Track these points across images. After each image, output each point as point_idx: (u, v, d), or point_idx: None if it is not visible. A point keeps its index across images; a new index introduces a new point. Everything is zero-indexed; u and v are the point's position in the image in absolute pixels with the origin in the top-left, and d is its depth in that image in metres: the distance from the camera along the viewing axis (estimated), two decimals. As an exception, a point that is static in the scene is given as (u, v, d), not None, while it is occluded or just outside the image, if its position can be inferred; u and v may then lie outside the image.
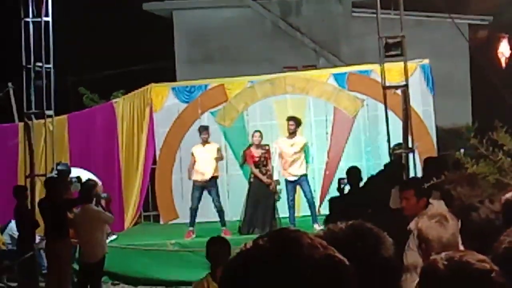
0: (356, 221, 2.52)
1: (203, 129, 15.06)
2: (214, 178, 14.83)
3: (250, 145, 14.86)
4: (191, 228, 14.71)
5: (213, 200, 14.81)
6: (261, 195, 14.57)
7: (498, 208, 4.63)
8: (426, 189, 7.18)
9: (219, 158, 15.02)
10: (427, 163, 10.54)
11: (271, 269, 1.74)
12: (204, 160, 14.77)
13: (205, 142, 14.94)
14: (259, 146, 14.71)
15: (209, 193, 14.82)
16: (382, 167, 12.22)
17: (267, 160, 14.71)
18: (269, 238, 1.82)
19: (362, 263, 2.21)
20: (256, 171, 14.68)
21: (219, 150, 15.10)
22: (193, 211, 14.74)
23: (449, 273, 2.50)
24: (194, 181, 14.87)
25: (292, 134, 14.96)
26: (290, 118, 15.06)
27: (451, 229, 4.75)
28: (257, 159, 14.63)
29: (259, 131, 14.94)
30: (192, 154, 14.99)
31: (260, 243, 1.81)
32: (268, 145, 14.95)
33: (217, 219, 14.98)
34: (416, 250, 5.05)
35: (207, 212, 15.59)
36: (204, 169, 14.74)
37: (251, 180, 14.80)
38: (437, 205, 6.49)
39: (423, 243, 4.83)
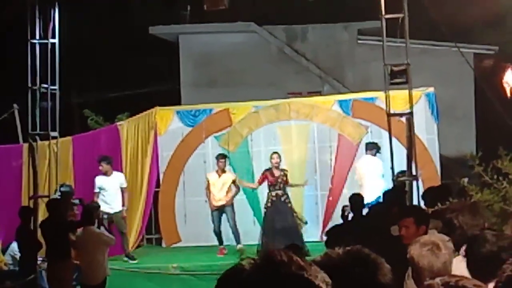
0: (354, 247, 2.52)
1: (221, 157, 15.35)
2: (224, 206, 15.04)
3: (270, 168, 14.92)
4: (221, 246, 15.16)
5: (228, 220, 15.10)
6: (279, 220, 14.51)
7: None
8: (426, 217, 7.15)
9: (235, 189, 15.24)
10: (427, 193, 10.55)
11: (250, 285, 1.92)
12: (217, 190, 15.11)
13: (221, 170, 15.22)
14: (278, 167, 14.77)
15: (226, 215, 15.14)
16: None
17: (284, 183, 14.75)
18: (257, 258, 1.98)
19: (359, 286, 2.21)
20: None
21: (234, 181, 15.26)
22: (216, 234, 15.21)
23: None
24: (211, 208, 15.24)
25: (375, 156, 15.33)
26: (372, 146, 15.42)
27: (443, 258, 4.71)
28: (273, 180, 14.66)
29: (276, 152, 15.11)
30: (208, 181, 15.34)
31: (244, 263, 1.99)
32: (286, 170, 15.00)
33: (217, 243, 15.25)
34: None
35: (206, 237, 15.77)
36: (217, 197, 15.11)
37: (268, 205, 14.79)
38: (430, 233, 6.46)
39: (414, 271, 4.80)
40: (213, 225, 15.22)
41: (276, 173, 14.73)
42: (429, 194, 10.36)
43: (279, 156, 14.98)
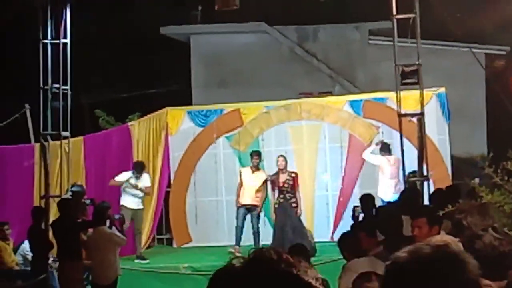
0: (442, 244, 2.52)
1: (256, 154, 15.30)
2: (254, 206, 14.98)
3: (277, 173, 14.94)
4: (236, 247, 14.81)
5: (251, 221, 14.96)
6: (286, 219, 14.49)
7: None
8: (438, 217, 7.15)
9: (263, 191, 15.15)
10: (434, 195, 10.56)
11: (240, 282, 1.98)
12: (249, 186, 15.03)
13: (255, 167, 15.15)
14: (284, 171, 14.75)
15: (251, 216, 14.99)
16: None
17: (293, 187, 14.72)
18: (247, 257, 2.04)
19: (449, 285, 2.25)
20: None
21: (265, 182, 15.16)
22: (238, 230, 14.98)
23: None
24: (237, 204, 15.13)
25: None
26: (385, 147, 15.39)
27: None
28: (281, 184, 14.66)
29: (282, 155, 15.06)
30: (240, 175, 15.28)
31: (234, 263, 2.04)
32: (295, 172, 14.98)
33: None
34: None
35: (216, 237, 15.77)
36: (247, 195, 15.00)
37: (276, 206, 14.79)
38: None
39: None
40: (235, 221, 15.05)
41: (282, 178, 14.73)
42: (436, 196, 10.37)
43: (285, 159, 14.99)
